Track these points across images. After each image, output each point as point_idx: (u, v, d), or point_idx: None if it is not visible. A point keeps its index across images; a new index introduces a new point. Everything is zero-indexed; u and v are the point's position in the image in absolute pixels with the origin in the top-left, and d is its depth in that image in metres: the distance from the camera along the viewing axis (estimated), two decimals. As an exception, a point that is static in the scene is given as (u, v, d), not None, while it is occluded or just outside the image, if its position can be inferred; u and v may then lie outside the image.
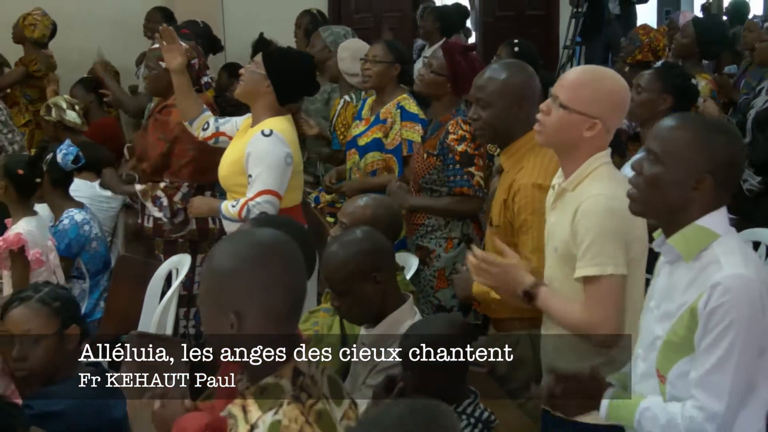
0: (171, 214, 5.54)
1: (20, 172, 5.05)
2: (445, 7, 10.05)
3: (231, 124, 5.17)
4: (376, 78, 5.72)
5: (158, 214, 5.55)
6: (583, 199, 3.24)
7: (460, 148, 4.79)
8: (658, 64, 6.45)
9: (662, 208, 2.75)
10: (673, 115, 2.91)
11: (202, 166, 5.48)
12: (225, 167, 4.96)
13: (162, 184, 5.50)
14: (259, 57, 4.95)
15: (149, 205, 5.58)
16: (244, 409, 2.38)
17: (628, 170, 4.45)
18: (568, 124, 3.30)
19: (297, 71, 4.96)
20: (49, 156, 5.40)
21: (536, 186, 3.74)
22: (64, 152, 5.50)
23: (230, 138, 5.12)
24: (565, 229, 3.29)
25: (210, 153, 5.35)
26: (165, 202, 5.50)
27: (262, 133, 4.74)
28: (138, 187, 5.64)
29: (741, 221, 5.00)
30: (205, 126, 5.21)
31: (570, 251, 3.27)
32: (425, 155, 4.97)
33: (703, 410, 2.60)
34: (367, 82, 5.81)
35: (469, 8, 11.78)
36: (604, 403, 2.77)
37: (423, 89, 5.17)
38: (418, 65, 8.07)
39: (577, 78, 3.39)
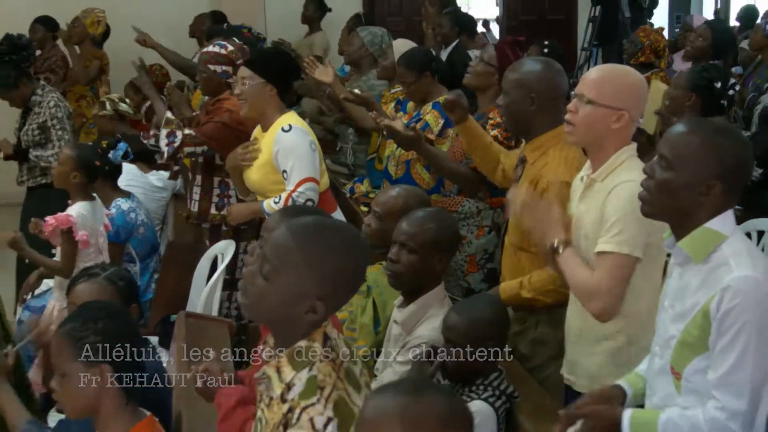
0: (171, 156, 5.47)
1: (97, 163, 5.11)
2: (457, 8, 10.01)
3: None
4: (412, 95, 5.70)
5: (162, 146, 5.44)
6: (616, 183, 3.24)
7: (493, 133, 4.82)
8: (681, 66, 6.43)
9: (672, 211, 2.70)
10: (685, 121, 2.86)
11: (225, 135, 5.33)
12: (255, 172, 4.88)
13: (186, 131, 5.40)
14: (243, 71, 4.85)
15: (163, 133, 5.46)
16: (278, 371, 2.40)
17: None
18: (596, 119, 3.29)
19: (282, 61, 4.95)
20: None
21: (564, 184, 3.72)
22: (120, 151, 5.56)
23: None
24: (594, 215, 3.28)
25: (238, 136, 5.25)
26: (176, 143, 5.40)
27: (282, 129, 4.73)
28: (169, 114, 5.54)
29: (744, 212, 4.99)
30: None
31: (598, 234, 3.26)
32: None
33: (725, 410, 2.55)
34: (409, 99, 5.81)
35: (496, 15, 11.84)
36: (626, 424, 2.67)
37: (472, 81, 5.18)
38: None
39: (600, 75, 3.39)
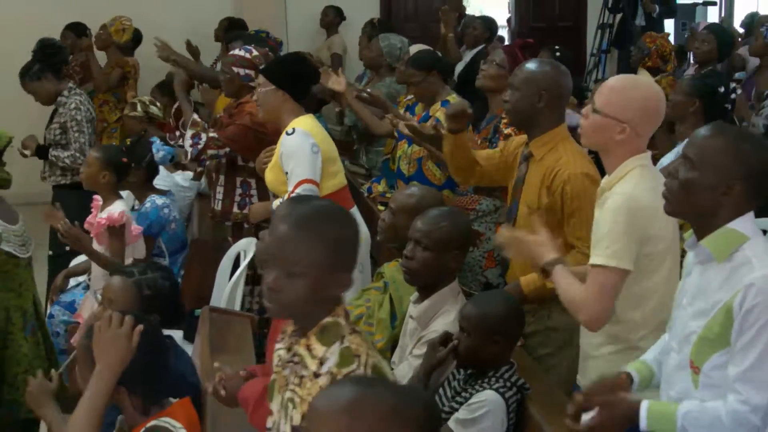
0: (195, 158, 5.51)
1: (124, 160, 5.13)
2: (489, 17, 10.16)
3: None
4: (419, 96, 5.79)
5: (187, 147, 5.47)
6: (611, 195, 3.24)
7: (507, 131, 4.85)
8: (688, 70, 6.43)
9: (694, 210, 2.71)
10: (712, 124, 2.84)
11: (248, 138, 5.39)
12: (269, 173, 4.93)
13: (211, 133, 5.44)
14: (260, 77, 4.91)
15: (188, 135, 5.48)
16: (309, 348, 2.43)
17: (665, 162, 4.47)
18: (600, 127, 3.28)
19: (296, 68, 4.94)
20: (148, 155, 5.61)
21: (585, 175, 3.76)
22: (163, 153, 5.63)
23: None
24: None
25: (259, 138, 5.32)
26: (200, 145, 5.44)
27: (286, 133, 4.74)
28: (195, 116, 5.55)
29: (758, 210, 4.98)
30: None
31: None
32: (479, 141, 5.07)
33: (746, 403, 2.55)
34: (417, 100, 5.88)
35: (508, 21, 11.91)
36: (643, 415, 2.67)
37: (485, 83, 5.17)
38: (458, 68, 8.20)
39: (612, 86, 3.37)
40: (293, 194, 4.59)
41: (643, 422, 2.66)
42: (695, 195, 2.67)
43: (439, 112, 5.49)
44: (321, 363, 2.39)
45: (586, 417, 2.78)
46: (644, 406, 2.66)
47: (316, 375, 2.38)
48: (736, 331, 2.57)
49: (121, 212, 4.94)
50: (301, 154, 4.69)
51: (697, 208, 2.69)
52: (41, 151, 6.54)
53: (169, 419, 2.87)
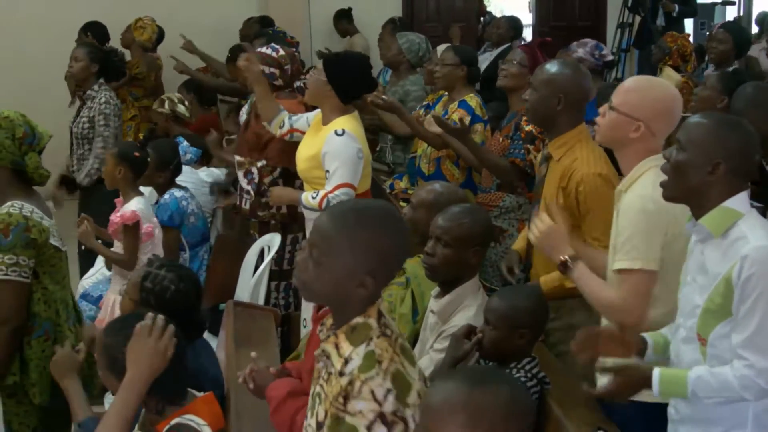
0: (258, 191, 5.53)
1: (136, 155, 5.12)
2: (514, 17, 10.20)
3: (303, 120, 5.16)
4: (444, 79, 5.78)
5: (246, 187, 5.53)
6: (628, 199, 3.24)
7: (528, 128, 4.87)
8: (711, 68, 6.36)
9: (686, 191, 2.83)
10: (700, 113, 3.00)
11: (285, 146, 5.39)
12: (303, 161, 4.94)
13: (259, 164, 5.50)
14: (320, 64, 4.94)
15: (240, 175, 5.57)
16: (337, 346, 2.43)
17: None
18: (616, 125, 3.32)
19: (352, 72, 4.90)
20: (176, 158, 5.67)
21: (598, 175, 3.75)
22: (190, 156, 5.64)
23: (302, 133, 5.12)
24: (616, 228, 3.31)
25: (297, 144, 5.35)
26: (256, 179, 5.49)
27: (335, 132, 4.73)
28: (237, 157, 5.61)
29: (765, 207, 4.93)
30: (282, 124, 5.21)
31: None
32: (501, 139, 5.11)
33: (752, 368, 2.67)
34: (437, 83, 5.87)
35: (529, 20, 11.91)
36: (655, 382, 2.81)
37: (506, 82, 5.21)
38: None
39: (630, 85, 3.41)
40: (331, 194, 4.65)
41: (655, 387, 2.82)
42: (685, 175, 2.81)
43: (455, 113, 5.55)
44: (346, 362, 2.39)
45: (602, 381, 3.00)
46: (657, 372, 2.82)
47: (341, 374, 2.38)
48: (736, 300, 2.70)
49: (133, 211, 4.93)
50: (346, 157, 4.70)
51: (688, 188, 2.82)
52: (69, 183, 6.57)
53: (192, 416, 2.82)
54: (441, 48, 6.33)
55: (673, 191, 2.87)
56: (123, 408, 2.81)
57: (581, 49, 5.71)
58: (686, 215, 2.94)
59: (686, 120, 2.91)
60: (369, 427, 2.31)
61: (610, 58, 5.61)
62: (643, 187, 3.21)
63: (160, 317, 2.87)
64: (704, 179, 2.78)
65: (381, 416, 2.31)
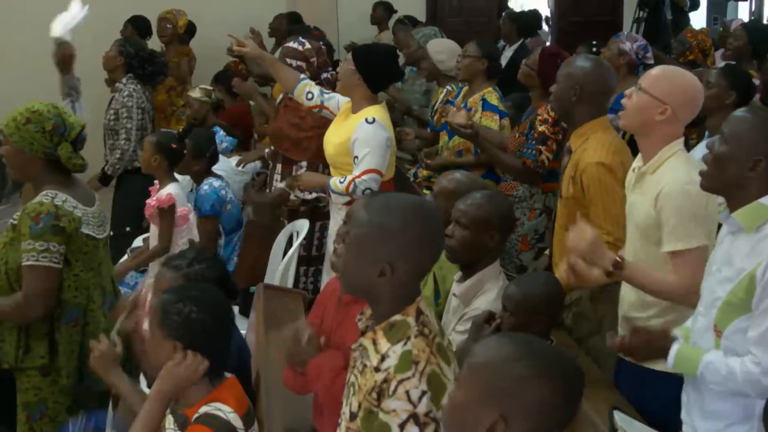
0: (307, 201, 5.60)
1: (174, 146, 5.16)
2: (521, 12, 10.13)
3: (335, 101, 5.11)
4: (466, 70, 5.82)
5: (300, 195, 5.55)
6: (664, 184, 3.23)
7: (541, 128, 4.90)
8: (720, 65, 6.32)
9: (725, 183, 2.76)
10: (748, 107, 2.95)
11: (318, 142, 5.36)
12: (332, 147, 4.94)
13: (303, 164, 5.53)
14: (350, 54, 4.95)
15: (278, 169, 5.65)
16: (374, 342, 2.40)
17: (697, 152, 4.43)
18: (644, 106, 3.32)
19: (381, 62, 4.91)
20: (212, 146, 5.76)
21: (599, 164, 3.76)
22: (226, 145, 5.69)
23: (332, 113, 5.08)
24: (646, 209, 3.28)
25: (323, 124, 5.31)
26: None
27: (366, 120, 4.73)
28: (286, 182, 5.54)
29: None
30: (309, 96, 5.15)
31: (650, 227, 3.27)
32: (517, 135, 5.16)
33: (760, 365, 2.62)
34: (459, 74, 5.91)
35: (548, 14, 11.83)
36: (672, 353, 2.82)
37: (521, 79, 5.30)
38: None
39: (659, 71, 3.44)
40: (359, 179, 4.64)
41: (670, 359, 2.83)
42: (725, 168, 2.73)
43: (481, 114, 5.63)
44: (382, 359, 2.36)
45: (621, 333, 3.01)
46: (676, 346, 2.83)
47: (377, 369, 2.36)
48: (757, 297, 2.62)
49: (168, 194, 4.97)
50: (375, 144, 4.70)
51: (727, 181, 2.75)
52: (104, 178, 6.63)
53: (219, 404, 2.81)
54: (438, 42, 6.43)
55: (711, 182, 2.81)
56: (149, 421, 2.86)
57: (629, 43, 5.65)
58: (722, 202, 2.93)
59: (734, 113, 2.85)
60: (402, 426, 2.29)
61: (651, 62, 5.57)
62: (675, 170, 3.23)
63: (199, 358, 2.85)
64: (743, 174, 2.70)
65: (414, 417, 2.28)
